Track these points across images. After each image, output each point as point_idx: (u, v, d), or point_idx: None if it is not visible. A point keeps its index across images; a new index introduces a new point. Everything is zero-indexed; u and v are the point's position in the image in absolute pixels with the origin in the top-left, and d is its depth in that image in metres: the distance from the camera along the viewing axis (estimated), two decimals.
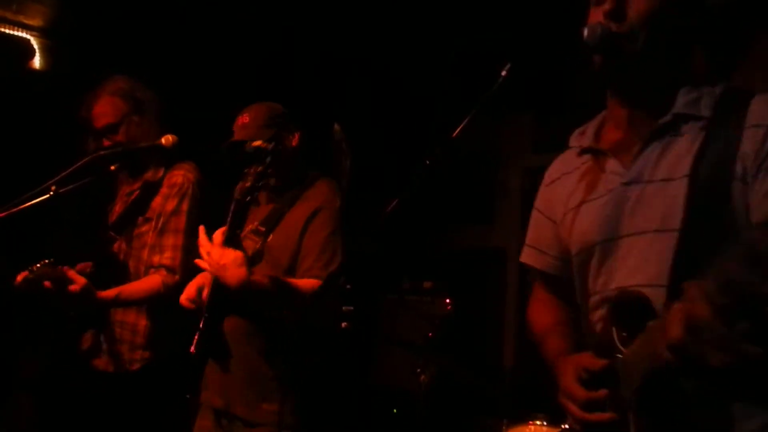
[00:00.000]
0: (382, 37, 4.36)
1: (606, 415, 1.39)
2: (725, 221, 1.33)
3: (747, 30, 3.46)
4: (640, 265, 1.44)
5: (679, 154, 1.42)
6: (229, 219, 2.28)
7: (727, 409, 1.32)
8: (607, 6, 1.47)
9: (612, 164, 1.55)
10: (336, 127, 2.84)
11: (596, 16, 1.50)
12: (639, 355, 1.33)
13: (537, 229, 1.81)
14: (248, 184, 2.31)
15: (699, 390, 1.28)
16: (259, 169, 2.33)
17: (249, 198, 2.31)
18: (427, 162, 1.37)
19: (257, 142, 2.42)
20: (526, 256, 1.84)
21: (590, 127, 1.68)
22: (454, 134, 1.35)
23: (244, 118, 2.63)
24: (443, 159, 1.36)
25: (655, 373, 1.27)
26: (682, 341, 1.15)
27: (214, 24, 4.15)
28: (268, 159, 2.34)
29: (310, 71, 4.56)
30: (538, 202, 1.82)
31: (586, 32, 1.46)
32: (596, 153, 1.62)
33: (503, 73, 1.40)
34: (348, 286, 1.66)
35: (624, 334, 1.40)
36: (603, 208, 1.53)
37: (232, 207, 2.31)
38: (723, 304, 1.08)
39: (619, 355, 1.40)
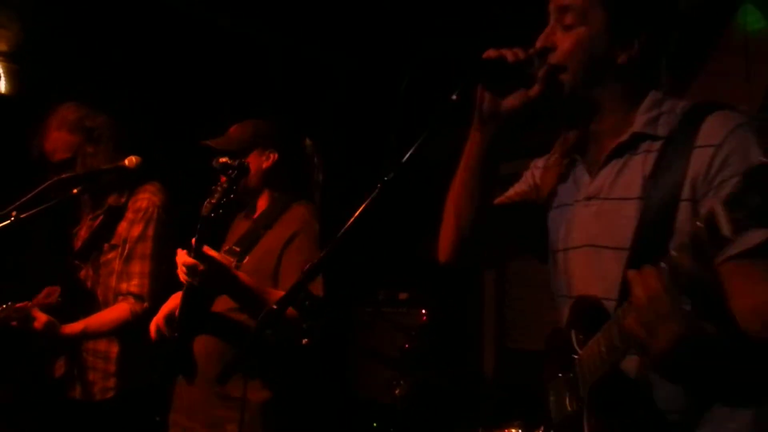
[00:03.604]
0: (350, 48, 4.38)
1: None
2: (670, 241, 1.34)
3: (705, 40, 3.50)
4: (596, 278, 1.50)
5: (633, 174, 1.47)
6: (196, 235, 2.25)
7: (695, 406, 1.33)
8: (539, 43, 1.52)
9: (581, 173, 1.61)
10: (307, 141, 2.81)
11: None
12: (594, 354, 1.39)
13: (521, 184, 1.81)
14: (214, 200, 2.30)
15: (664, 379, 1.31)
16: (225, 185, 2.32)
17: (214, 214, 2.28)
18: (384, 181, 1.34)
19: (224, 159, 2.41)
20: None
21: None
22: (405, 158, 1.33)
23: (233, 128, 2.66)
24: (399, 180, 1.34)
25: (612, 365, 1.33)
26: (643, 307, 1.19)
27: (183, 42, 4.14)
28: (234, 175, 2.34)
29: (281, 86, 4.56)
30: (534, 169, 1.79)
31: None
32: (576, 156, 1.64)
33: (454, 97, 1.40)
34: (307, 303, 1.64)
35: (581, 336, 1.47)
36: (569, 217, 1.61)
37: (198, 224, 2.28)
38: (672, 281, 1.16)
39: (576, 356, 1.46)
